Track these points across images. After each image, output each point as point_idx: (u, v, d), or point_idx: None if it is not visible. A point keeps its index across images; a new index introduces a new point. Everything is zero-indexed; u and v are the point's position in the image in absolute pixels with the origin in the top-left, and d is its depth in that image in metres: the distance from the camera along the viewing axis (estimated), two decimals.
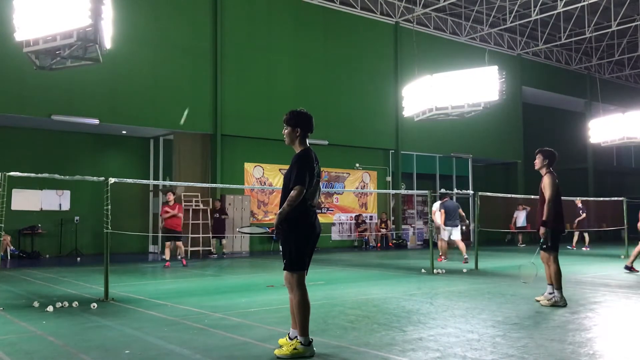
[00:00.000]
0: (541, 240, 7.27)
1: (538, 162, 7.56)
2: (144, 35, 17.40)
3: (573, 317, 6.41)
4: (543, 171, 7.55)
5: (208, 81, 18.65)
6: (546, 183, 7.37)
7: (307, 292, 4.78)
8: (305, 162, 4.77)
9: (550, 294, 7.31)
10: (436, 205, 14.80)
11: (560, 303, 7.10)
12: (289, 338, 4.76)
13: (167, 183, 17.91)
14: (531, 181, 27.93)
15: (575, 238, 20.01)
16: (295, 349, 4.63)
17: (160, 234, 18.15)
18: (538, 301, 7.41)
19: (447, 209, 14.31)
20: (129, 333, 5.70)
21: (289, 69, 20.54)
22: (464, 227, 15.63)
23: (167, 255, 13.63)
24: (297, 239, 4.75)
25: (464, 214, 14.77)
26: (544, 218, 7.22)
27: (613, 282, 9.81)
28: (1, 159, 15.72)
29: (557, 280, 7.23)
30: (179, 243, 13.93)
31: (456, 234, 14.28)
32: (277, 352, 4.70)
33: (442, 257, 14.64)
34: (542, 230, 7.22)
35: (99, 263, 12.53)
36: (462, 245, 14.14)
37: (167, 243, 13.78)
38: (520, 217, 22.54)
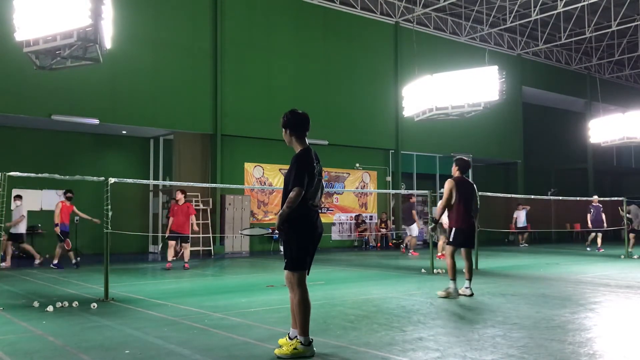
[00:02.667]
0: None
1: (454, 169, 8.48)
2: (144, 35, 17.40)
3: (573, 317, 6.40)
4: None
5: (208, 81, 18.66)
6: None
7: (308, 291, 4.78)
8: (303, 163, 4.75)
9: (467, 287, 8.10)
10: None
11: (453, 295, 7.87)
12: (289, 338, 4.76)
13: (167, 183, 17.90)
14: (531, 181, 28.13)
15: (599, 239, 18.63)
16: (295, 348, 4.63)
17: (160, 234, 18.19)
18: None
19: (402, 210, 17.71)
20: (129, 333, 5.70)
21: (289, 69, 20.53)
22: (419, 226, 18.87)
23: (169, 256, 13.08)
24: (298, 239, 4.75)
25: (416, 215, 17.72)
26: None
27: (613, 282, 9.81)
28: (1, 159, 15.72)
29: (450, 272, 8.02)
30: (186, 245, 13.29)
31: (410, 231, 17.38)
32: (277, 351, 4.70)
33: (407, 251, 17.53)
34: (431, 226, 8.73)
35: (99, 263, 12.53)
36: (407, 241, 17.65)
37: (171, 242, 13.26)
38: (521, 217, 22.50)
